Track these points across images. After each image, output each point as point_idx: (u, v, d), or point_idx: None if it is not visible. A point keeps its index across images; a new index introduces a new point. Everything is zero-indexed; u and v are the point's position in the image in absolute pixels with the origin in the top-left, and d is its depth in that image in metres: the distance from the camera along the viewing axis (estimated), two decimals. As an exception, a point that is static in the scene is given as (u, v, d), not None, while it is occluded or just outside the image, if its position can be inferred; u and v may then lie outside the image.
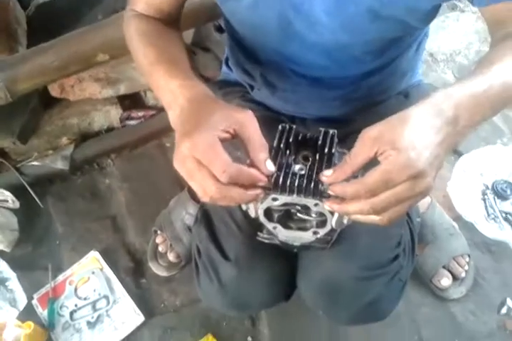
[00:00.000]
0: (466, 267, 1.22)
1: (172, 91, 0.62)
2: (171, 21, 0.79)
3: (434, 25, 1.73)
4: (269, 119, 0.91)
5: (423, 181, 0.50)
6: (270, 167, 0.55)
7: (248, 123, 0.56)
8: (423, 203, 1.25)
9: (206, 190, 0.53)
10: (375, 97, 0.89)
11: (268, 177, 0.55)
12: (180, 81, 0.63)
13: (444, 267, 1.21)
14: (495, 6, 0.65)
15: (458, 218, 1.32)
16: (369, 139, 0.52)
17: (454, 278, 1.21)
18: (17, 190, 1.37)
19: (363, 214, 0.54)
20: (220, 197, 0.53)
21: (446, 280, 1.19)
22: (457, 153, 1.43)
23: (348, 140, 0.63)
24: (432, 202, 1.28)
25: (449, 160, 1.43)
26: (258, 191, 0.55)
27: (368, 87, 0.84)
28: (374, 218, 0.54)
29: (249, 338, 1.19)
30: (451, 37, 1.78)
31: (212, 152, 0.52)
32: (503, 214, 1.29)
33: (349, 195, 0.52)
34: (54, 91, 1.44)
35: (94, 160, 1.50)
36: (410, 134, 0.50)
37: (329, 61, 0.76)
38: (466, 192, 1.34)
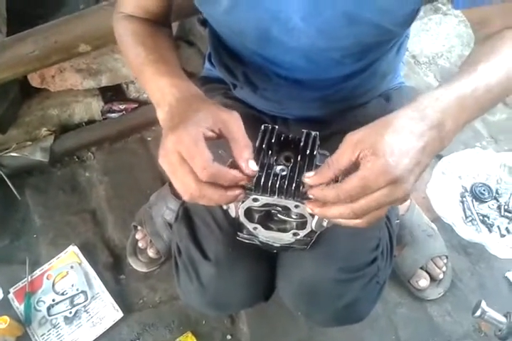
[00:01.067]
0: (444, 268, 1.24)
1: (161, 89, 0.63)
2: (160, 20, 0.79)
3: (416, 27, 1.74)
4: (251, 118, 0.90)
5: (401, 187, 0.50)
6: (253, 166, 0.55)
7: (233, 122, 0.56)
8: (403, 206, 1.26)
9: (187, 186, 0.53)
10: (355, 99, 0.89)
11: (249, 177, 0.55)
12: (169, 79, 0.64)
13: (421, 268, 1.22)
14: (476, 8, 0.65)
15: (436, 219, 1.33)
16: (352, 143, 0.52)
17: (432, 279, 1.22)
18: (-6, 182, 1.34)
19: (343, 218, 0.54)
20: (199, 196, 0.53)
21: (423, 281, 1.21)
22: (437, 156, 1.45)
23: (329, 141, 0.63)
24: (411, 204, 1.29)
25: (429, 161, 1.44)
26: (237, 192, 0.55)
27: (349, 89, 0.85)
28: (353, 221, 0.54)
29: (229, 336, 1.19)
30: (434, 40, 1.79)
31: (195, 147, 0.53)
32: (481, 217, 1.31)
33: (328, 200, 0.52)
34: (34, 81, 1.41)
35: (74, 152, 1.48)
36: (390, 140, 0.50)
37: (309, 64, 0.76)
38: (445, 194, 1.35)
